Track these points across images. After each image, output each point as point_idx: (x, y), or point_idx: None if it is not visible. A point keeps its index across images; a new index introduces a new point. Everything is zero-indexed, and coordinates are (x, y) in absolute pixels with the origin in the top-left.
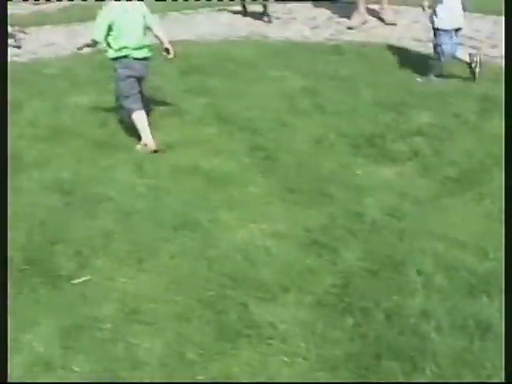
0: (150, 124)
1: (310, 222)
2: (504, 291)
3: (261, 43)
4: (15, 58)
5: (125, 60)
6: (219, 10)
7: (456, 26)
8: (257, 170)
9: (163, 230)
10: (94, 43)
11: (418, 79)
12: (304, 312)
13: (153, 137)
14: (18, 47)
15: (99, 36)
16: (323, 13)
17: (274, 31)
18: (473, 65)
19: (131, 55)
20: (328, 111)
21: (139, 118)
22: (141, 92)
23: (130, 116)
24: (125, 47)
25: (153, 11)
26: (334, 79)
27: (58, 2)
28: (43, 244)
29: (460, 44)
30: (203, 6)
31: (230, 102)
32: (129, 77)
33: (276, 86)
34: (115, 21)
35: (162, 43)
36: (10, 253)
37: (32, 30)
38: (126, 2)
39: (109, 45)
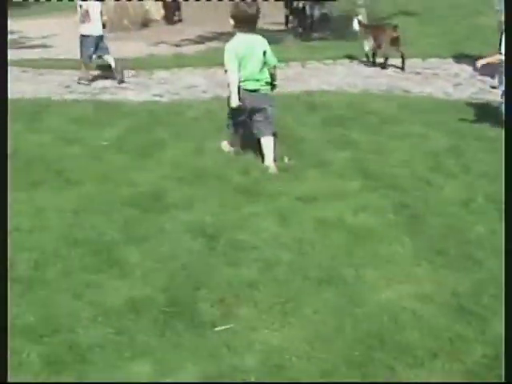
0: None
1: (457, 286)
2: (504, 291)
3: (402, 98)
4: (158, 98)
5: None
6: (358, 62)
7: None
8: (402, 229)
9: (308, 284)
10: (238, 76)
11: None
12: (453, 381)
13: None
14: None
15: (234, 65)
16: (465, 69)
17: (415, 86)
18: None
19: (242, 86)
20: (474, 172)
21: (232, 131)
22: (252, 122)
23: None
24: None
25: (293, 59)
26: (480, 139)
27: (196, 45)
28: (186, 288)
29: None
30: (342, 57)
31: (373, 156)
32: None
33: (419, 143)
34: (238, 53)
35: (273, 80)
36: (152, 293)
37: (174, 71)
38: (249, 36)
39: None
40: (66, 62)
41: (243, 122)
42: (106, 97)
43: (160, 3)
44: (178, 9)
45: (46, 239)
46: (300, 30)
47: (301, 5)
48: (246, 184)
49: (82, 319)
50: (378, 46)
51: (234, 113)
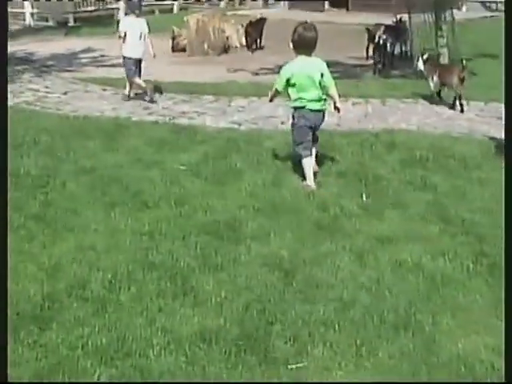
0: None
1: None
2: (504, 290)
3: (483, 142)
4: (236, 126)
5: (302, 110)
6: (438, 102)
7: None
8: (482, 278)
9: (384, 328)
10: (277, 92)
11: None
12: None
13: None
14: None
15: (279, 86)
16: None
17: (496, 131)
18: None
19: (307, 106)
20: None
21: (307, 163)
22: (312, 139)
23: (300, 160)
24: (302, 98)
25: (373, 96)
26: None
27: (274, 75)
28: (260, 322)
29: None
30: (422, 97)
31: (454, 201)
32: (302, 126)
33: (500, 190)
34: (294, 74)
35: (334, 102)
36: (225, 324)
37: (252, 99)
38: (307, 58)
39: (289, 95)
40: (146, 83)
41: (309, 142)
42: (184, 121)
43: (242, 30)
44: (260, 36)
45: (120, 260)
46: (380, 66)
47: (381, 41)
48: (323, 220)
49: (154, 345)
50: (444, 84)
51: (303, 134)
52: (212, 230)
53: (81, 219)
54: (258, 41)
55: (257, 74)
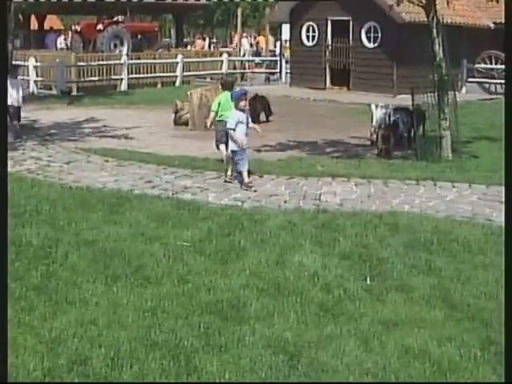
0: None
1: None
2: (504, 292)
3: (487, 226)
4: (239, 204)
5: (222, 122)
6: (440, 187)
7: None
8: (490, 367)
9: None
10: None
11: None
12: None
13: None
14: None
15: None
16: None
17: (499, 215)
18: None
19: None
20: None
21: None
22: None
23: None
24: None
25: (375, 177)
26: None
27: (277, 152)
28: None
29: None
30: (425, 179)
31: (458, 286)
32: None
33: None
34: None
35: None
36: None
37: (254, 177)
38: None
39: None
40: (148, 156)
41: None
42: (187, 196)
43: None
44: (265, 111)
45: (122, 337)
46: (385, 146)
47: (392, 121)
48: (327, 303)
49: None
50: None
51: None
52: (215, 310)
53: (82, 292)
54: (263, 114)
55: (259, 150)
